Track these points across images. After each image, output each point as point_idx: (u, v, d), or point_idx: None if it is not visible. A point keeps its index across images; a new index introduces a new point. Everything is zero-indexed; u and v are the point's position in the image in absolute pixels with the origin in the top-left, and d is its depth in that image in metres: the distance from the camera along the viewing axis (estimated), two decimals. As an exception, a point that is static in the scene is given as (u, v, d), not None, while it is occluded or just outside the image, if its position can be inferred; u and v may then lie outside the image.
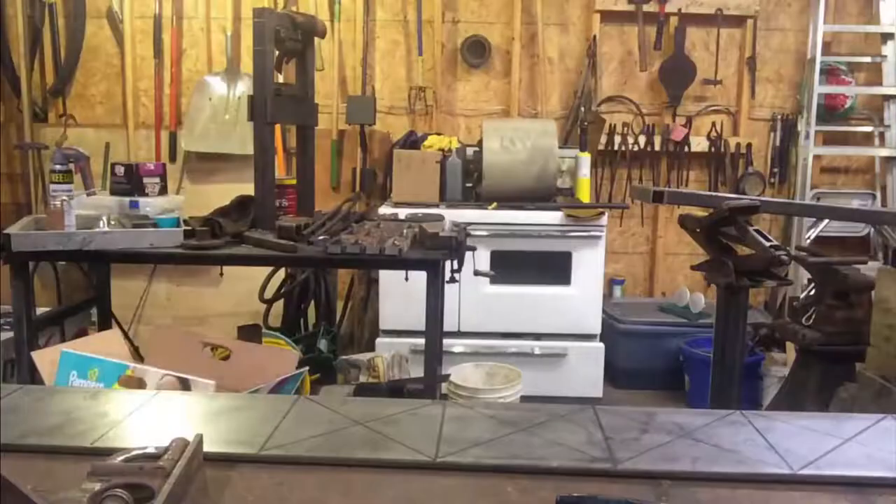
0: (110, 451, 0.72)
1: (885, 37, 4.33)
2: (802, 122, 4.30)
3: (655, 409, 1.03)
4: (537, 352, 3.69)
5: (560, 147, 3.85)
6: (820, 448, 0.76)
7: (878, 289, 2.87)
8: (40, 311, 2.74)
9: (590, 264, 3.65)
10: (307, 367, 2.76)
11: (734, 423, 0.90)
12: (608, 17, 4.37)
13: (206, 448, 0.72)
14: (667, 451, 0.84)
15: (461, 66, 4.42)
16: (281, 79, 3.34)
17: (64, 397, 0.90)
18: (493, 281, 3.46)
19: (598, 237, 3.63)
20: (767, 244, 2.16)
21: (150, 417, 0.83)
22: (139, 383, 2.18)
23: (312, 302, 4.06)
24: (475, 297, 3.65)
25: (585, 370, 3.69)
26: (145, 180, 2.65)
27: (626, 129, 4.40)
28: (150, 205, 2.58)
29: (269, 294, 3.87)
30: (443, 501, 0.65)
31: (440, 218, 3.01)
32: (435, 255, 2.40)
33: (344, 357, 3.52)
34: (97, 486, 0.66)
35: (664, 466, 0.80)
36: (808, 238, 4.34)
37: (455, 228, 2.69)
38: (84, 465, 0.69)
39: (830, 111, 4.37)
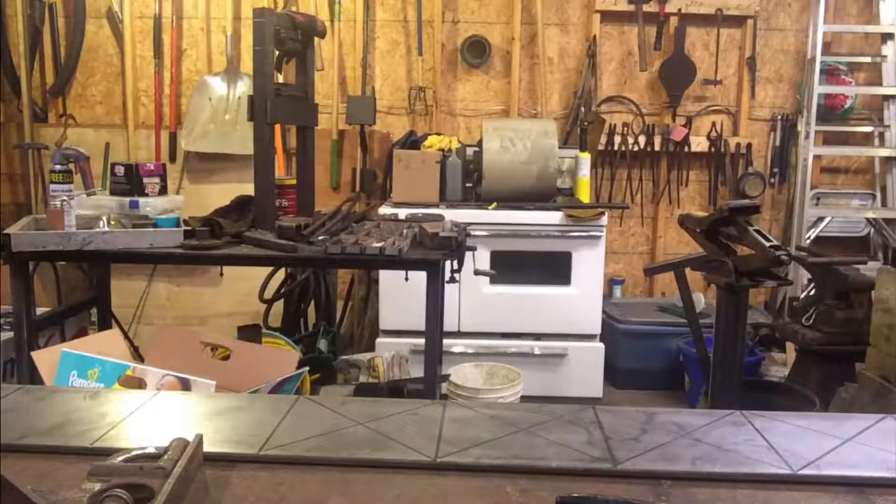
0: (110, 451, 0.72)
1: (885, 37, 4.33)
2: (802, 122, 4.30)
3: (655, 409, 1.03)
4: (537, 352, 3.69)
5: (560, 147, 3.85)
6: (820, 448, 0.76)
7: (878, 289, 2.87)
8: (40, 311, 2.73)
9: (590, 264, 3.64)
10: (307, 367, 2.76)
11: (734, 424, 0.89)
12: (608, 17, 4.37)
13: (207, 448, 0.71)
14: (667, 451, 0.84)
15: (461, 66, 4.42)
16: (281, 79, 3.34)
17: (64, 397, 0.90)
18: (493, 281, 3.46)
19: (598, 237, 3.63)
20: (767, 244, 2.16)
21: (150, 417, 0.83)
22: (139, 383, 2.18)
23: (312, 302, 4.06)
24: (475, 297, 3.64)
25: (585, 370, 3.69)
26: (145, 180, 2.65)
27: (626, 129, 4.40)
28: (150, 205, 2.58)
29: (269, 294, 3.87)
30: (443, 501, 0.65)
31: (440, 218, 3.01)
32: (435, 255, 2.40)
33: (344, 357, 3.52)
34: (97, 486, 0.66)
35: (664, 466, 0.80)
36: (808, 238, 4.34)
37: (455, 228, 2.69)
38: (84, 465, 0.68)
39: (830, 111, 4.37)
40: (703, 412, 0.97)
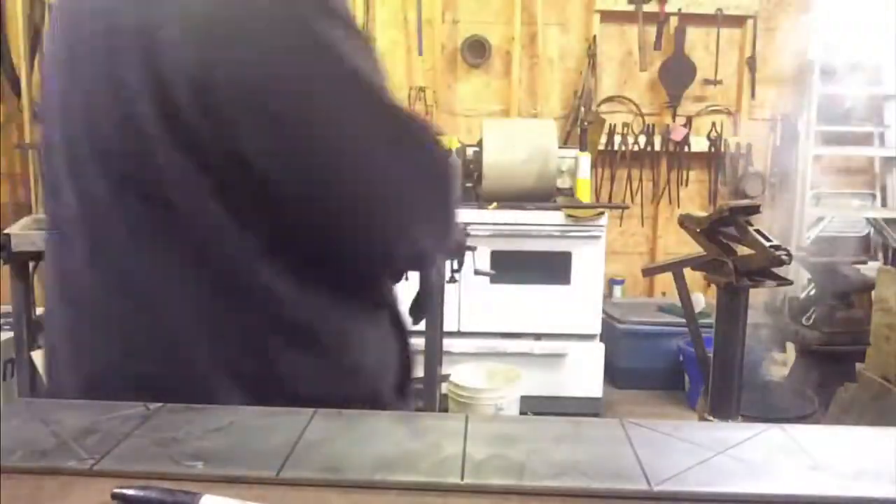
0: (114, 473, 0.71)
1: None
2: (802, 122, 4.31)
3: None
4: (537, 352, 3.69)
5: (560, 147, 3.85)
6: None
7: (878, 289, 2.88)
8: (40, 311, 2.73)
9: (590, 264, 3.65)
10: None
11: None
12: (608, 17, 4.37)
13: (217, 470, 0.68)
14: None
15: (461, 66, 4.42)
16: (281, 79, 3.34)
17: (64, 413, 0.88)
18: (493, 280, 3.45)
19: (598, 237, 3.63)
20: (768, 244, 2.16)
21: (155, 435, 0.80)
22: (139, 384, 2.18)
23: (312, 302, 4.06)
24: (475, 297, 3.65)
25: (585, 370, 3.69)
26: (145, 180, 2.64)
27: (626, 129, 4.41)
28: (151, 205, 2.58)
29: (269, 294, 3.87)
30: (443, 500, 0.65)
31: (440, 218, 3.01)
32: (435, 255, 2.40)
33: (344, 357, 3.52)
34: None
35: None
36: (809, 238, 4.35)
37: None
38: (87, 486, 0.68)
39: (830, 111, 4.37)
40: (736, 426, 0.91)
